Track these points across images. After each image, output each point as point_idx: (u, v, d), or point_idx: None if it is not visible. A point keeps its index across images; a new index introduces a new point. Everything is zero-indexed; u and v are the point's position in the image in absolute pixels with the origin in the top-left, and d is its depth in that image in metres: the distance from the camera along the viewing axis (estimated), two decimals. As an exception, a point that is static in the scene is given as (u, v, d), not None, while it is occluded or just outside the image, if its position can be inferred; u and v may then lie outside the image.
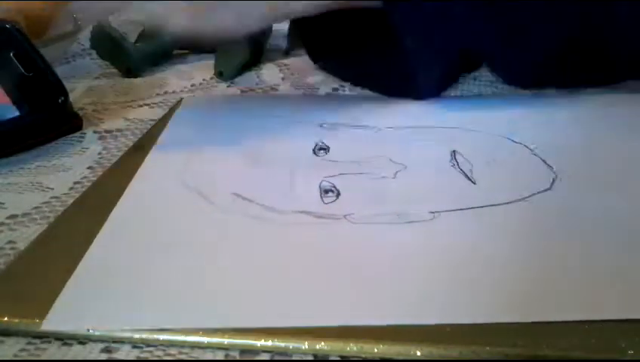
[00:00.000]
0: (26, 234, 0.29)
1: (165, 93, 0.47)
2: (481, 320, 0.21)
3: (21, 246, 0.28)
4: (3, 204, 0.31)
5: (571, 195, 0.28)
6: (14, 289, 0.24)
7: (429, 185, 0.29)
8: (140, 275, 0.24)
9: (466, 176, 0.30)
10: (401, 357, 0.20)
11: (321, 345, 0.20)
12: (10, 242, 0.28)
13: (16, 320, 0.22)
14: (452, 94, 0.42)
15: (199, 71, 0.51)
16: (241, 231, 0.27)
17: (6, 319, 0.22)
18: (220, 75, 0.49)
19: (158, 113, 0.42)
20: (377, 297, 0.22)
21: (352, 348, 0.20)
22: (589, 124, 0.35)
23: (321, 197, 0.29)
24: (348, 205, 0.28)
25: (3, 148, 0.36)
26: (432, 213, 0.27)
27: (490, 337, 0.20)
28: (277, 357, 0.21)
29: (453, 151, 0.32)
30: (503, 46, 0.38)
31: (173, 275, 0.24)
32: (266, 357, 0.21)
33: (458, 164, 0.31)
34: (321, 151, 0.33)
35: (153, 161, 0.34)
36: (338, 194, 0.29)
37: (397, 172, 0.30)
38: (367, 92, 0.43)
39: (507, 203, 0.27)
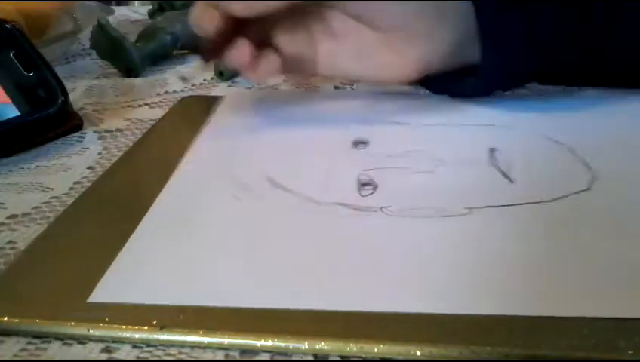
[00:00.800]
0: (26, 234, 0.29)
1: (165, 93, 0.47)
2: (502, 312, 0.21)
3: (21, 246, 0.28)
4: (3, 204, 0.31)
5: (609, 196, 0.28)
6: (14, 289, 0.24)
7: (466, 182, 0.30)
8: (182, 256, 0.25)
9: (504, 174, 0.30)
10: (401, 357, 0.20)
11: (321, 345, 0.20)
12: (10, 242, 0.28)
13: (16, 320, 0.22)
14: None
15: (199, 71, 0.51)
16: (279, 220, 0.27)
17: (6, 319, 0.22)
18: (220, 75, 0.49)
19: (158, 113, 0.42)
20: (406, 285, 0.23)
21: (352, 348, 0.20)
22: (632, 124, 0.34)
23: (359, 189, 0.29)
24: (385, 198, 0.29)
25: (3, 148, 0.36)
26: (468, 208, 0.27)
27: (491, 337, 0.20)
28: (277, 357, 0.21)
29: (492, 148, 0.32)
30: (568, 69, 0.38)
31: (212, 258, 0.25)
32: (266, 357, 0.21)
33: (497, 162, 0.31)
34: (361, 144, 0.33)
35: (198, 152, 0.35)
36: (375, 187, 0.29)
37: (436, 167, 0.31)
38: (404, 88, 0.41)
39: (543, 202, 0.27)
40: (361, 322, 0.21)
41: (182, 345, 0.21)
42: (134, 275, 0.24)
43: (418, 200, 0.28)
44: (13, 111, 0.37)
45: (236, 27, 0.34)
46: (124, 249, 0.26)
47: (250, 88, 0.47)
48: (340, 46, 0.37)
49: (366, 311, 0.21)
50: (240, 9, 0.33)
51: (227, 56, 0.34)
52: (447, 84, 0.39)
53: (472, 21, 0.35)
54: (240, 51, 0.34)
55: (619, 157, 0.31)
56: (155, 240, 0.27)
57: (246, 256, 0.25)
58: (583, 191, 0.28)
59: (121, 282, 0.24)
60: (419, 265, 0.24)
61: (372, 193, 0.29)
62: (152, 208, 0.29)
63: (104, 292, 0.23)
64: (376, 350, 0.20)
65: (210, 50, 0.35)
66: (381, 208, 0.28)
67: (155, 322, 0.21)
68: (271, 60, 0.35)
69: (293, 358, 0.21)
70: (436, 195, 0.28)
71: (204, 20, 0.34)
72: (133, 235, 0.27)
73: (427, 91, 0.41)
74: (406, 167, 0.31)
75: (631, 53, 0.37)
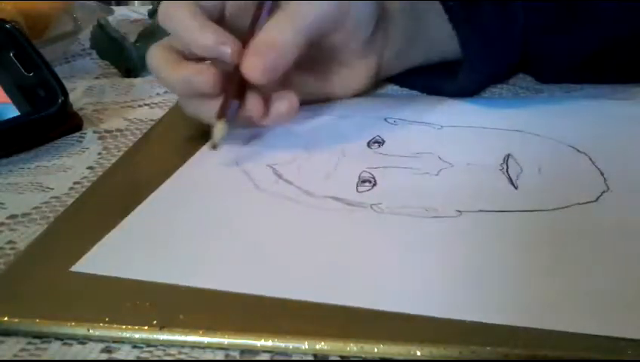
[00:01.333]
0: (26, 234, 0.29)
1: (165, 93, 0.47)
2: (482, 319, 0.21)
3: (21, 246, 0.28)
4: (3, 204, 0.31)
5: (614, 211, 0.27)
6: (14, 289, 0.24)
7: (467, 186, 0.29)
8: (173, 238, 0.27)
9: (510, 180, 0.29)
10: (401, 357, 0.20)
11: (321, 345, 0.20)
12: (10, 242, 0.28)
13: (17, 320, 0.22)
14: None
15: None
16: (273, 209, 0.28)
17: (6, 319, 0.22)
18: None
19: (158, 113, 0.42)
20: (381, 283, 0.23)
21: (352, 348, 0.20)
22: None
23: (357, 186, 0.30)
24: (379, 195, 0.29)
25: (3, 148, 0.36)
26: (459, 211, 0.27)
27: (490, 337, 0.20)
28: (277, 357, 0.21)
29: (508, 154, 0.32)
30: (549, 46, 0.39)
31: (204, 241, 0.26)
32: (266, 357, 0.21)
33: (507, 168, 0.30)
34: (376, 144, 0.34)
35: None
36: (374, 185, 0.30)
37: (441, 170, 0.31)
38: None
39: (540, 210, 0.27)
40: (361, 322, 0.21)
41: (182, 344, 0.21)
42: (122, 251, 0.26)
43: (410, 199, 0.28)
44: (13, 112, 0.37)
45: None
46: (117, 226, 0.27)
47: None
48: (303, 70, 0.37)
49: (332, 303, 0.22)
50: (259, 76, 0.32)
51: (240, 114, 0.33)
52: (435, 83, 0.40)
53: (418, 20, 0.38)
54: (254, 107, 0.33)
55: (637, 171, 0.30)
56: (151, 221, 0.28)
57: (230, 242, 0.26)
58: (588, 203, 0.27)
59: (108, 256, 0.25)
60: (398, 262, 0.24)
61: (369, 190, 0.29)
62: (155, 192, 0.30)
63: (89, 264, 0.24)
64: (376, 350, 0.20)
65: (220, 113, 0.32)
66: (371, 205, 0.28)
67: (155, 322, 0.21)
68: (286, 102, 0.34)
69: (293, 358, 0.21)
70: (430, 196, 0.28)
71: (204, 81, 0.32)
72: (131, 214, 0.28)
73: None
74: (411, 167, 0.31)
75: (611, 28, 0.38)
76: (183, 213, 0.29)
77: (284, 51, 0.33)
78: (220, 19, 0.35)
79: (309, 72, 0.38)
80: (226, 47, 0.32)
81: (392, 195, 0.29)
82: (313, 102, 0.39)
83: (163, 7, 0.34)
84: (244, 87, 0.33)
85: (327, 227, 0.27)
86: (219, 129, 0.32)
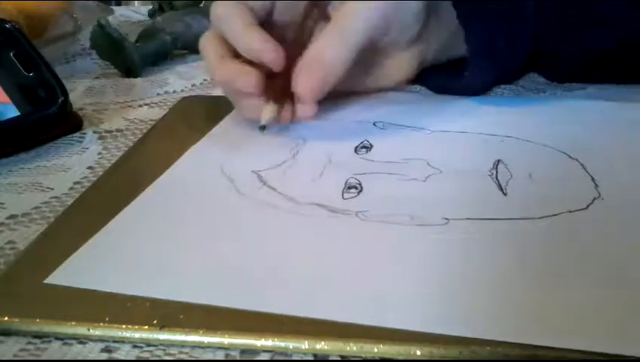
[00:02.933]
0: (26, 234, 0.29)
1: (165, 93, 0.47)
2: (466, 334, 0.20)
3: (21, 246, 0.28)
4: (3, 204, 0.31)
5: (603, 220, 0.26)
6: (14, 289, 0.24)
7: (454, 192, 0.29)
8: (153, 249, 0.26)
9: (500, 186, 0.29)
10: (401, 357, 0.20)
11: (322, 345, 0.20)
12: (10, 242, 0.28)
13: (17, 320, 0.22)
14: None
15: (199, 71, 0.51)
16: (256, 216, 0.28)
17: (6, 319, 0.22)
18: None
19: (158, 113, 0.42)
20: (364, 295, 0.22)
21: (352, 347, 0.20)
22: None
23: (343, 192, 0.29)
24: (365, 202, 0.28)
25: (3, 148, 0.36)
26: (446, 218, 0.27)
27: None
28: (277, 357, 0.21)
29: (498, 160, 0.31)
30: (561, 45, 0.39)
31: (181, 250, 0.26)
32: (266, 356, 0.21)
33: (496, 174, 0.30)
34: (363, 149, 0.33)
35: (200, 147, 0.35)
36: (360, 191, 0.29)
37: (429, 176, 0.30)
38: (425, 92, 0.42)
39: (529, 218, 0.26)
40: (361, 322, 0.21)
41: (182, 344, 0.21)
42: (98, 262, 0.25)
43: (397, 206, 0.28)
44: (13, 112, 0.37)
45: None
46: (94, 236, 0.27)
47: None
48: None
49: (313, 317, 0.21)
50: (309, 95, 0.34)
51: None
52: (445, 81, 0.40)
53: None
54: (288, 113, 0.35)
55: (630, 178, 0.29)
56: (131, 229, 0.27)
57: (211, 251, 0.25)
58: (578, 210, 0.27)
59: (83, 267, 0.25)
60: (382, 272, 0.23)
61: (355, 196, 0.29)
62: (135, 200, 0.29)
63: (63, 275, 0.24)
64: (376, 350, 0.20)
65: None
66: (357, 212, 0.27)
67: (155, 321, 0.21)
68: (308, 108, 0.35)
69: (294, 358, 0.21)
70: (417, 203, 0.28)
71: (246, 83, 0.33)
72: (110, 223, 0.27)
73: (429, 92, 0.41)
74: (398, 174, 0.31)
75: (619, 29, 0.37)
76: (165, 220, 0.28)
77: (335, 70, 0.34)
78: (268, 19, 0.36)
79: (353, 66, 0.37)
80: (269, 54, 0.33)
81: (378, 202, 0.28)
82: (354, 94, 0.40)
83: (214, 7, 0.35)
84: (285, 91, 0.35)
85: (310, 235, 0.26)
86: (269, 111, 0.34)
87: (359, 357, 0.20)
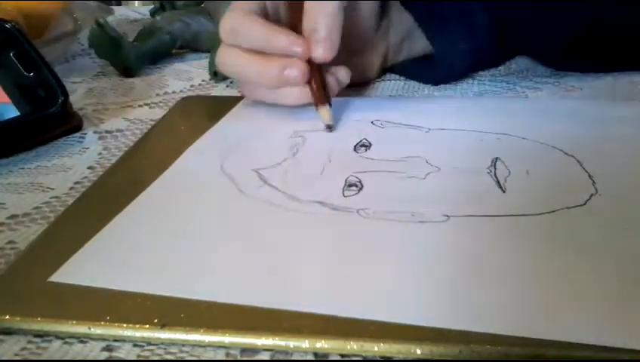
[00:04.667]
0: (27, 234, 0.29)
1: (165, 93, 0.47)
2: (468, 328, 0.20)
3: (22, 246, 0.28)
4: (3, 204, 0.31)
5: (602, 215, 0.26)
6: (15, 289, 0.24)
7: (454, 190, 0.29)
8: (156, 247, 0.26)
9: (498, 183, 0.29)
10: (401, 356, 0.20)
11: (322, 344, 0.20)
12: (10, 242, 0.28)
13: (17, 319, 0.22)
14: (448, 93, 0.42)
15: (199, 71, 0.51)
16: (257, 215, 0.28)
17: (7, 318, 0.22)
18: (214, 75, 0.49)
19: (158, 113, 0.42)
20: (367, 291, 0.22)
21: (352, 346, 0.20)
22: None
23: (343, 190, 0.29)
24: (365, 200, 0.28)
25: (3, 148, 0.36)
26: (446, 216, 0.27)
27: (490, 336, 0.20)
28: (277, 356, 0.21)
29: (496, 158, 0.31)
30: (535, 16, 0.41)
31: (184, 249, 0.26)
32: (266, 355, 0.21)
33: (495, 172, 0.30)
34: (362, 148, 0.34)
35: (200, 146, 0.35)
36: (360, 189, 0.29)
37: (428, 173, 0.30)
38: (424, 92, 0.43)
39: (528, 214, 0.26)
40: (361, 320, 0.21)
41: (183, 343, 0.21)
42: (101, 260, 0.25)
43: (397, 204, 0.28)
44: (13, 112, 0.37)
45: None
46: (97, 234, 0.27)
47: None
48: None
49: (319, 313, 0.21)
50: (329, 50, 0.36)
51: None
52: (424, 68, 0.44)
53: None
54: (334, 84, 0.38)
55: (626, 174, 0.29)
56: (133, 228, 0.27)
57: (212, 249, 0.25)
58: (576, 206, 0.27)
59: (86, 265, 0.25)
60: (384, 269, 0.24)
61: (355, 194, 0.29)
62: (137, 198, 0.30)
63: (67, 273, 0.24)
64: (376, 348, 0.20)
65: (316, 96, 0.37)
66: (358, 210, 0.28)
67: (156, 320, 0.21)
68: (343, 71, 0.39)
69: (294, 357, 0.21)
70: (417, 201, 0.28)
71: (296, 73, 0.36)
72: (112, 222, 0.28)
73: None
74: (398, 172, 0.31)
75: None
76: (167, 219, 0.28)
77: (334, 15, 0.36)
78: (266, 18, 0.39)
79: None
80: (298, 47, 0.36)
81: (379, 200, 0.28)
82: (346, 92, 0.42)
83: (224, 22, 0.37)
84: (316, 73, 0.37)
85: (312, 232, 0.26)
86: (327, 112, 0.36)
87: (359, 355, 0.20)
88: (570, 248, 0.24)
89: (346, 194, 0.29)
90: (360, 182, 0.30)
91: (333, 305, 0.22)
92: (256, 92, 0.39)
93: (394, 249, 0.25)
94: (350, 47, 0.41)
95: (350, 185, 0.30)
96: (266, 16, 0.39)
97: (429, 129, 0.36)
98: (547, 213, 0.27)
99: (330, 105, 0.37)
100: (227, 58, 0.38)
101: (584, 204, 0.27)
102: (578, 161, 0.31)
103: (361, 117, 0.38)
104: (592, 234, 0.25)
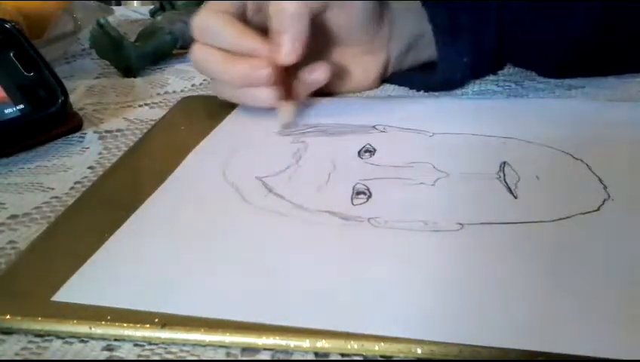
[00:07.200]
0: (27, 234, 0.29)
1: (165, 93, 0.47)
2: (484, 342, 0.20)
3: (22, 245, 0.28)
4: (3, 204, 0.31)
5: (617, 221, 0.26)
6: (16, 288, 0.24)
7: (465, 196, 0.29)
8: (159, 261, 0.25)
9: (509, 189, 0.28)
10: (402, 356, 0.20)
11: (322, 343, 0.20)
12: (11, 242, 0.28)
13: (18, 319, 0.22)
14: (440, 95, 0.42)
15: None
16: (264, 225, 0.27)
17: (8, 317, 0.22)
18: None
19: (158, 113, 0.42)
20: (381, 304, 0.22)
21: (352, 346, 0.20)
22: None
23: (352, 198, 0.29)
24: (376, 208, 0.28)
25: (3, 148, 0.36)
26: (460, 224, 0.26)
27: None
28: (278, 356, 0.21)
29: (504, 162, 0.31)
30: (532, 31, 0.40)
31: (189, 263, 0.25)
32: (267, 355, 0.21)
33: (504, 177, 0.29)
34: (367, 153, 0.33)
35: (200, 152, 0.35)
36: (369, 197, 0.29)
37: (437, 179, 0.30)
38: (424, 95, 0.43)
39: (543, 221, 0.26)
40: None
41: (183, 343, 0.21)
42: (104, 276, 0.24)
43: (409, 212, 0.27)
44: (13, 112, 0.37)
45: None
46: (100, 249, 0.26)
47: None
48: None
49: (333, 329, 0.21)
50: (291, 51, 0.36)
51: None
52: (423, 77, 0.42)
53: (425, 22, 0.40)
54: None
55: (635, 178, 0.29)
56: (136, 242, 0.26)
57: (222, 264, 0.25)
58: (590, 212, 0.26)
59: (90, 282, 0.24)
60: (398, 279, 0.23)
61: (364, 202, 0.28)
62: (139, 210, 0.29)
63: (70, 291, 0.23)
64: (377, 348, 0.20)
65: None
66: (369, 219, 0.27)
67: (156, 320, 0.21)
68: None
69: (295, 356, 0.21)
70: (429, 209, 0.27)
71: (263, 74, 0.36)
72: (114, 235, 0.27)
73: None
74: (406, 178, 0.30)
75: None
76: (170, 232, 0.27)
77: (297, 17, 0.36)
78: (243, 19, 0.39)
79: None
80: (264, 50, 0.36)
81: (389, 208, 0.28)
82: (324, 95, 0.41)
83: (195, 20, 0.38)
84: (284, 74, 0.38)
85: (323, 243, 0.26)
86: (287, 110, 0.37)
87: (360, 354, 0.20)
88: (587, 255, 0.24)
89: (354, 203, 0.28)
90: (368, 189, 0.29)
91: (348, 320, 0.21)
92: (225, 91, 0.40)
93: (409, 259, 0.24)
94: (342, 52, 0.41)
95: (358, 193, 0.29)
96: (243, 16, 0.39)
97: (433, 133, 0.35)
98: (561, 219, 0.26)
99: (293, 104, 0.37)
100: (198, 55, 0.39)
101: (598, 210, 0.27)
102: (587, 165, 0.30)
103: (363, 121, 0.37)
104: (608, 240, 0.25)
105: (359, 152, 0.33)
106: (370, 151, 0.33)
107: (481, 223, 0.26)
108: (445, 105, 0.40)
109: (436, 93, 0.42)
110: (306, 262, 0.24)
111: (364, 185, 0.30)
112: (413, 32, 0.42)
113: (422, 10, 0.40)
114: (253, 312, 0.22)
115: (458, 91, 0.43)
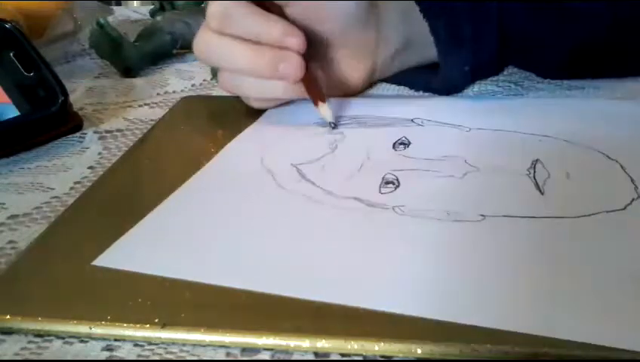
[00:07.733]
0: (27, 234, 0.29)
1: (166, 93, 0.47)
2: (500, 327, 0.20)
3: (22, 245, 0.28)
4: (4, 204, 0.31)
5: None
6: (16, 288, 0.24)
7: (491, 190, 0.29)
8: (196, 234, 0.27)
9: (537, 185, 0.29)
10: (402, 355, 0.20)
11: (322, 343, 0.20)
12: (11, 242, 0.28)
13: (18, 319, 0.22)
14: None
15: (200, 70, 0.51)
16: (294, 209, 0.28)
17: (8, 317, 0.22)
18: (215, 75, 0.49)
19: (158, 113, 0.42)
20: (401, 286, 0.23)
21: (352, 346, 0.20)
22: None
23: (380, 187, 0.29)
24: (402, 197, 0.28)
25: (3, 148, 0.36)
26: (483, 215, 0.27)
27: (491, 335, 0.20)
28: (278, 356, 0.21)
29: (536, 160, 0.31)
30: (534, 35, 0.40)
31: (222, 239, 0.26)
32: (267, 355, 0.21)
33: (534, 173, 0.30)
34: (401, 145, 0.33)
35: (239, 142, 0.36)
36: (397, 187, 0.29)
37: (466, 173, 0.30)
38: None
39: (566, 217, 0.26)
40: (361, 320, 0.21)
41: (183, 343, 0.21)
42: (142, 247, 0.26)
43: (433, 202, 0.28)
44: (13, 112, 0.37)
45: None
46: (141, 221, 0.27)
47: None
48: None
49: (352, 305, 0.22)
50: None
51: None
52: (426, 80, 0.42)
53: (412, 22, 0.39)
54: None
55: None
56: (173, 217, 0.28)
57: (249, 240, 0.26)
58: (616, 210, 0.26)
59: (127, 250, 0.26)
60: (418, 265, 0.24)
61: (392, 191, 0.29)
62: (180, 188, 0.30)
63: (110, 257, 0.25)
64: (377, 348, 0.20)
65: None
66: (394, 206, 0.28)
67: (156, 320, 0.21)
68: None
69: (295, 356, 0.21)
70: (454, 200, 0.28)
71: (293, 66, 0.35)
72: (156, 209, 0.28)
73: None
74: (435, 170, 0.31)
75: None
76: (205, 210, 0.29)
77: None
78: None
79: (319, 73, 0.39)
80: (293, 37, 0.35)
81: (415, 197, 0.28)
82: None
83: (218, 10, 0.35)
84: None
85: (347, 227, 0.27)
86: (328, 109, 0.36)
87: (360, 354, 0.20)
88: (608, 252, 0.24)
89: (382, 191, 0.29)
90: (397, 179, 0.30)
91: (367, 297, 0.22)
92: (239, 82, 0.38)
93: (429, 246, 0.25)
94: (329, 57, 0.40)
95: (387, 183, 0.30)
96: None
97: (469, 128, 0.35)
98: (585, 216, 0.26)
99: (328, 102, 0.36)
100: (212, 45, 0.36)
101: (624, 209, 0.27)
102: (621, 166, 0.30)
103: (401, 115, 0.37)
104: (630, 239, 0.25)
105: (394, 144, 0.34)
106: (404, 143, 0.34)
107: (503, 216, 0.27)
108: (484, 102, 0.40)
109: (470, 93, 0.42)
110: (330, 243, 0.26)
111: (393, 175, 0.30)
112: (401, 38, 0.41)
113: (411, 17, 0.39)
114: (278, 285, 0.23)
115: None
